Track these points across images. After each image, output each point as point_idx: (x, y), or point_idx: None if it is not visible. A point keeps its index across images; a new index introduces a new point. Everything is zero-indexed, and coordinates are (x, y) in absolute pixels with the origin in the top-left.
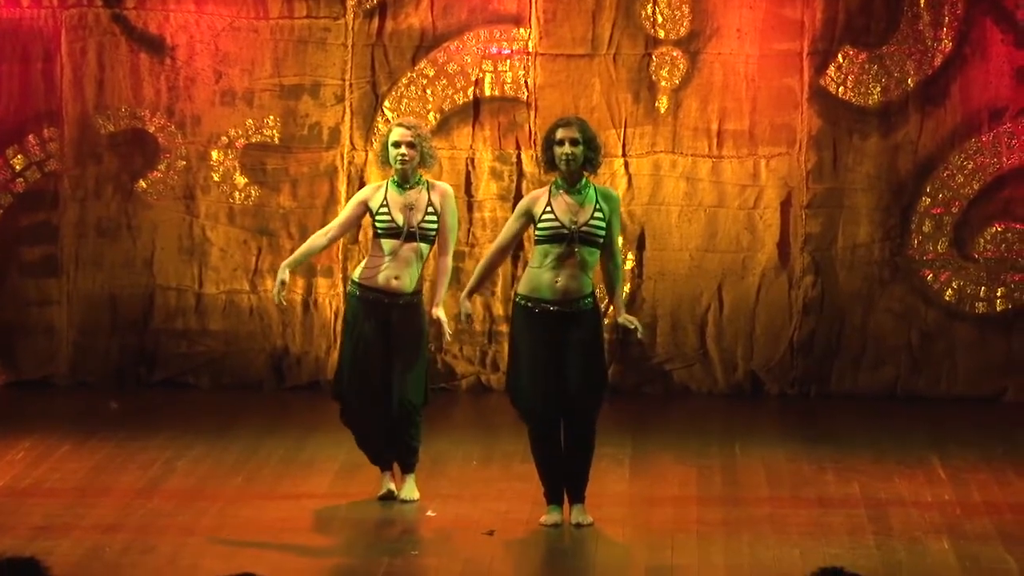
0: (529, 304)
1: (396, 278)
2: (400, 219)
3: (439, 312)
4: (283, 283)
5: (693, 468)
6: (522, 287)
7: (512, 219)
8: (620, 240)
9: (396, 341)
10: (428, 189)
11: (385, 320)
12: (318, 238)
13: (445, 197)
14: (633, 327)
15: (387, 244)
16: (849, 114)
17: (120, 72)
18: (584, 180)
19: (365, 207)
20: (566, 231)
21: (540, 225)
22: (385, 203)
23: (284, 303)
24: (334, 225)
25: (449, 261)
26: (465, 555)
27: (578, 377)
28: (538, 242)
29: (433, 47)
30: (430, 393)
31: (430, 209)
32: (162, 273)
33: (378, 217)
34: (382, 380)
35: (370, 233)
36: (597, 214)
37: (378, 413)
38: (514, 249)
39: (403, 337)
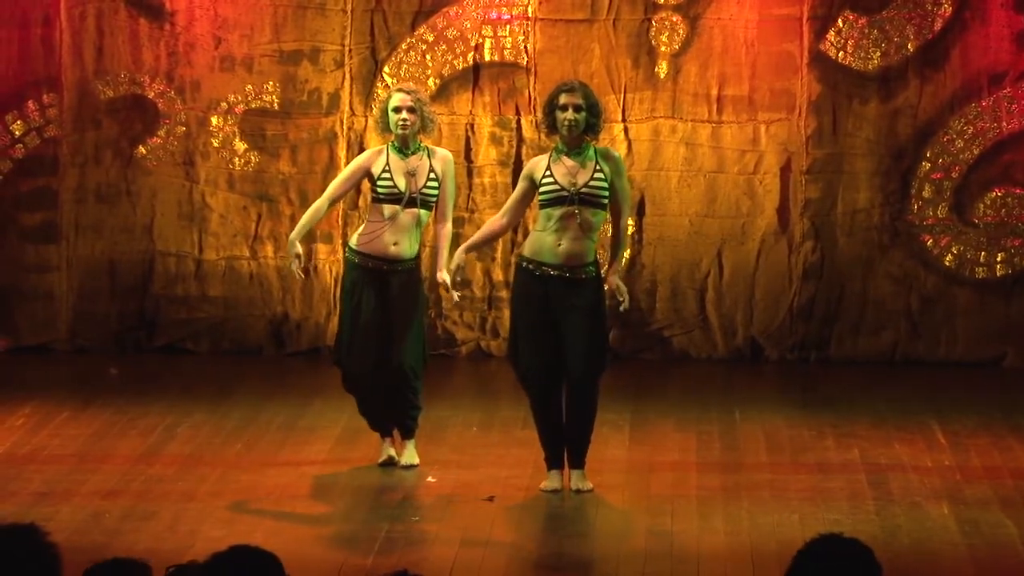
0: (531, 266)
1: (395, 243)
2: (403, 184)
3: (444, 276)
4: (298, 256)
5: (693, 434)
6: (525, 249)
7: (518, 186)
8: (629, 203)
9: (395, 307)
10: (429, 156)
11: (384, 286)
12: (320, 203)
13: (446, 163)
14: (621, 298)
15: (387, 209)
16: (849, 79)
17: (119, 37)
18: (585, 144)
19: (365, 172)
20: (566, 194)
21: (541, 189)
22: (387, 168)
23: (302, 275)
24: (333, 187)
25: (449, 227)
26: (465, 521)
27: (578, 343)
28: (541, 206)
29: (432, 12)
30: (429, 357)
31: (432, 175)
32: (162, 239)
33: (380, 182)
34: (381, 346)
35: (369, 199)
36: (597, 175)
37: (379, 379)
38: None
39: (402, 303)
